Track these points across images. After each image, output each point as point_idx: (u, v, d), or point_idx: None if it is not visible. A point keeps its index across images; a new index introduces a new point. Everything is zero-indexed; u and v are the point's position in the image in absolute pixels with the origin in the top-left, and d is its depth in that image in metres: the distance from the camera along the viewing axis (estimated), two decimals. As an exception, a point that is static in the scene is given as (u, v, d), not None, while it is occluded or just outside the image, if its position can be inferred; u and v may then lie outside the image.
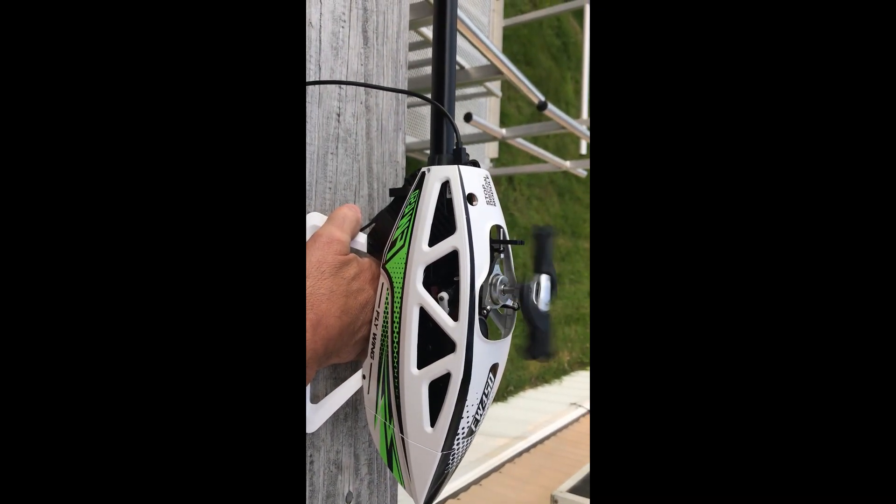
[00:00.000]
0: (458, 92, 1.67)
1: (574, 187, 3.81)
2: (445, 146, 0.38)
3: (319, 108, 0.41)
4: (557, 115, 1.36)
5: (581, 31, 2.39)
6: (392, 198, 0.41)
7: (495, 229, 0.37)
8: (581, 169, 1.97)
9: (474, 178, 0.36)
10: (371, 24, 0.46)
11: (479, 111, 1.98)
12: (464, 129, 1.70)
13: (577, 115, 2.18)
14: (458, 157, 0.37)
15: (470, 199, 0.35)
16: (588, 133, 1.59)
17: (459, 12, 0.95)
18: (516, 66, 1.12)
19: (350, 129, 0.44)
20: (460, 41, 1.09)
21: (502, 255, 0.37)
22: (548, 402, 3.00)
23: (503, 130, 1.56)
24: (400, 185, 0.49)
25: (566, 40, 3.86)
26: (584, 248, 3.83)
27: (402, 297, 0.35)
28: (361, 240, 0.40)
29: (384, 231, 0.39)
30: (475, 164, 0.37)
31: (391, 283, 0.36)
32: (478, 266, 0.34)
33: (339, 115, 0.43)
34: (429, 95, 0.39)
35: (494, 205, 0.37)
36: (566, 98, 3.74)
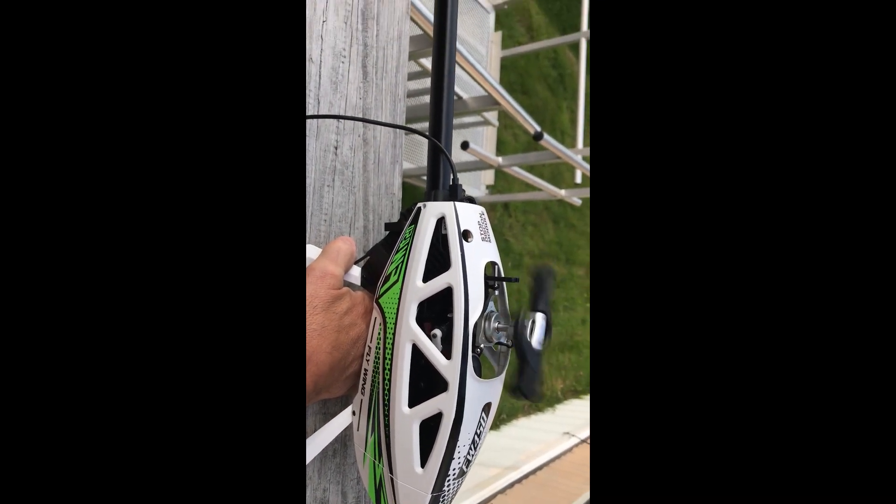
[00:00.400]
0: (456, 121, 1.69)
1: (569, 214, 3.84)
2: (442, 182, 0.38)
3: (317, 140, 0.41)
4: (553, 145, 1.38)
5: (577, 63, 2.46)
6: (387, 231, 0.41)
7: (490, 266, 0.36)
8: (576, 198, 1.99)
9: (470, 215, 0.36)
10: (371, 59, 0.46)
11: (476, 139, 2.00)
12: (461, 156, 1.72)
13: (572, 145, 2.21)
14: (455, 194, 0.37)
15: (465, 235, 0.35)
16: (583, 163, 1.60)
17: (458, 44, 0.97)
18: (513, 95, 1.14)
19: (347, 162, 0.44)
20: (458, 72, 1.11)
21: (497, 292, 0.36)
22: (541, 430, 2.95)
23: (499, 159, 1.57)
24: (396, 217, 0.49)
25: (562, 71, 3.95)
26: (579, 275, 3.84)
27: (394, 333, 0.35)
28: (355, 273, 0.40)
29: (378, 265, 0.39)
30: (471, 200, 0.38)
31: (384, 318, 0.36)
32: (472, 303, 0.33)
33: (336, 148, 0.43)
34: (426, 130, 0.39)
35: (490, 241, 0.37)
36: (562, 127, 3.80)
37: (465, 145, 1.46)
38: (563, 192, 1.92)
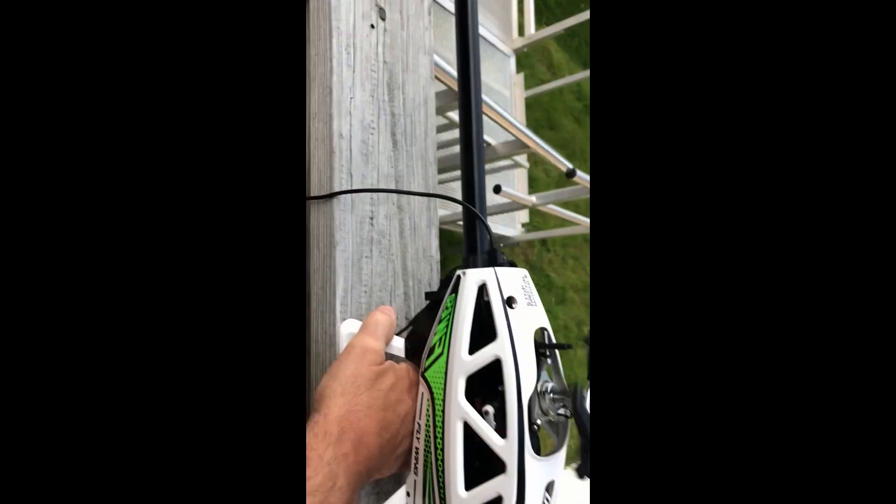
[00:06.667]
0: (487, 166, 1.70)
1: (609, 244, 3.76)
2: (479, 247, 0.37)
3: (352, 214, 0.41)
4: (585, 180, 1.36)
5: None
6: (427, 301, 0.40)
7: (539, 332, 0.35)
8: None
9: (512, 280, 0.35)
10: (399, 128, 0.47)
11: (508, 180, 2.01)
12: (494, 199, 1.72)
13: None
14: (494, 259, 0.36)
15: (509, 302, 0.34)
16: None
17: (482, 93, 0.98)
18: (540, 132, 1.14)
19: (384, 231, 0.44)
20: (485, 119, 1.12)
21: (549, 360, 0.35)
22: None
23: (533, 198, 1.56)
24: (435, 280, 0.48)
25: (587, 102, 3.96)
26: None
27: (443, 411, 0.33)
28: (398, 344, 0.39)
29: (422, 334, 0.38)
30: (512, 264, 0.36)
31: (431, 393, 0.35)
32: (524, 375, 0.32)
33: (372, 219, 0.43)
34: (457, 178, 0.39)
35: (535, 305, 0.35)
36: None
37: (497, 189, 1.47)
38: (601, 225, 1.88)
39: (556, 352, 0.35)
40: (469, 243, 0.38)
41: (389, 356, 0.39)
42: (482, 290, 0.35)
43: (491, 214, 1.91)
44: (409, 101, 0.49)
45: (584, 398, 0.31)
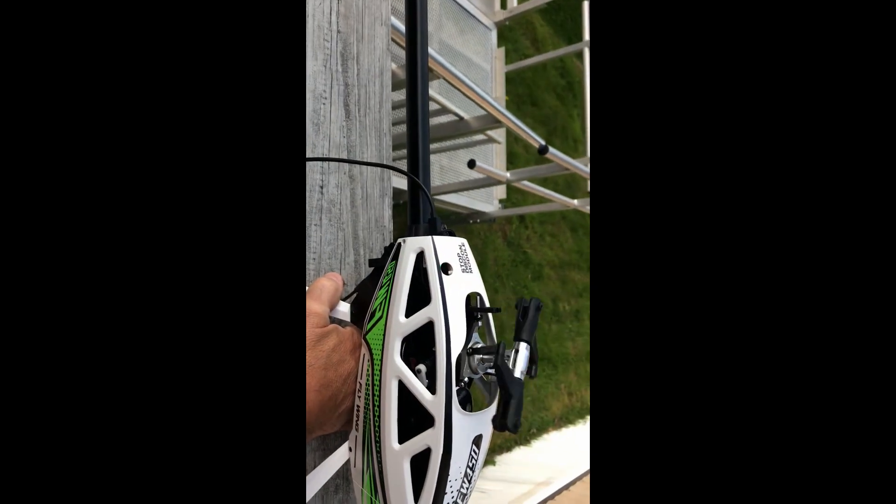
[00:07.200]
0: (464, 140, 1.70)
1: (587, 222, 3.80)
2: (422, 216, 0.39)
3: (302, 182, 0.42)
4: (559, 157, 1.38)
5: (583, 71, 2.47)
6: (372, 268, 0.42)
7: (474, 296, 0.37)
8: (589, 207, 1.97)
9: (449, 248, 0.36)
10: (353, 98, 0.48)
11: (486, 154, 2.01)
12: (471, 173, 1.73)
13: (584, 153, 2.20)
14: (433, 228, 0.38)
15: (445, 268, 0.35)
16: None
17: (452, 66, 0.98)
18: (522, 106, 1.14)
19: (334, 200, 0.45)
20: (459, 93, 1.12)
21: (480, 324, 0.37)
22: (573, 443, 2.90)
23: (508, 174, 1.58)
24: (387, 249, 0.49)
25: (570, 79, 3.95)
26: (602, 283, 3.78)
27: (381, 370, 0.35)
28: (344, 309, 0.41)
29: (366, 300, 0.40)
30: (451, 233, 0.38)
31: (371, 354, 0.37)
32: (454, 337, 0.34)
33: (322, 188, 0.44)
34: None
35: (471, 272, 0.37)
36: (573, 135, 3.79)
37: (471, 164, 1.47)
38: (576, 202, 1.91)
39: (489, 315, 0.37)
40: (412, 213, 0.39)
41: (335, 320, 0.40)
42: (420, 257, 0.36)
43: (466, 189, 1.92)
44: (364, 72, 0.49)
45: (504, 356, 0.33)
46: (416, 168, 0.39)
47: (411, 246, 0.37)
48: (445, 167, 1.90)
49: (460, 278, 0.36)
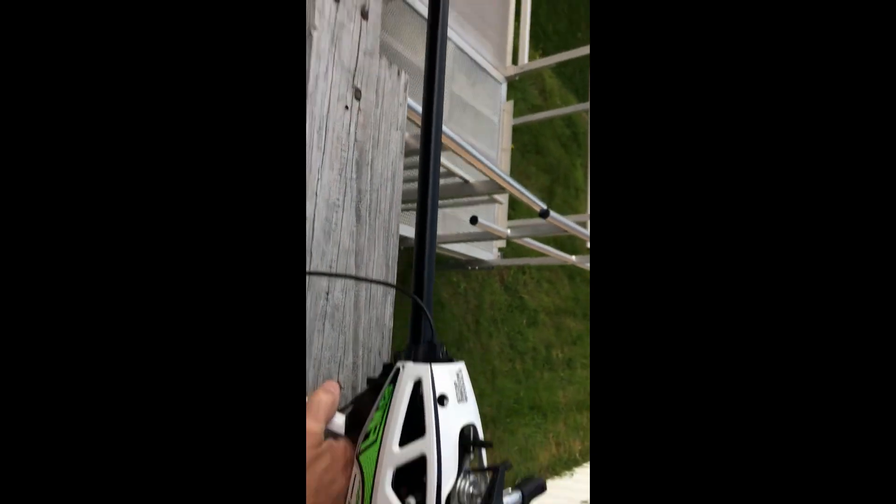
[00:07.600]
0: (466, 199, 1.72)
1: (584, 270, 3.82)
2: (423, 338, 0.40)
3: (309, 291, 0.44)
4: (560, 221, 1.40)
5: (588, 123, 2.54)
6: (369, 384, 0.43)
7: (468, 428, 0.38)
8: (588, 264, 1.99)
9: (446, 378, 0.37)
10: (364, 203, 0.50)
11: (488, 207, 2.04)
12: (472, 227, 1.75)
13: (586, 200, 2.23)
14: (433, 352, 0.39)
15: (441, 400, 0.36)
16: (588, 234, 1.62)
17: (459, 139, 1.01)
18: (527, 154, 1.17)
19: (338, 304, 0.46)
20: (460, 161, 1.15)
21: (472, 457, 0.37)
22: (560, 498, 2.84)
23: (508, 231, 1.60)
24: (386, 349, 0.50)
25: (575, 130, 4.03)
26: (596, 332, 3.77)
27: (371, 500, 0.36)
28: (339, 421, 0.42)
29: (362, 414, 0.41)
30: (449, 359, 0.39)
31: (363, 477, 0.37)
32: (445, 473, 0.34)
33: (327, 294, 0.45)
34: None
35: (466, 401, 0.38)
36: (576, 184, 3.85)
37: (473, 220, 1.50)
38: (573, 259, 1.93)
39: (483, 449, 0.38)
40: (413, 333, 0.41)
41: (329, 433, 0.41)
42: (418, 385, 0.37)
43: (468, 241, 1.94)
44: (377, 177, 0.51)
45: (500, 491, 0.34)
46: (421, 290, 0.40)
47: (410, 373, 0.38)
48: (448, 215, 1.93)
49: (456, 410, 0.37)
